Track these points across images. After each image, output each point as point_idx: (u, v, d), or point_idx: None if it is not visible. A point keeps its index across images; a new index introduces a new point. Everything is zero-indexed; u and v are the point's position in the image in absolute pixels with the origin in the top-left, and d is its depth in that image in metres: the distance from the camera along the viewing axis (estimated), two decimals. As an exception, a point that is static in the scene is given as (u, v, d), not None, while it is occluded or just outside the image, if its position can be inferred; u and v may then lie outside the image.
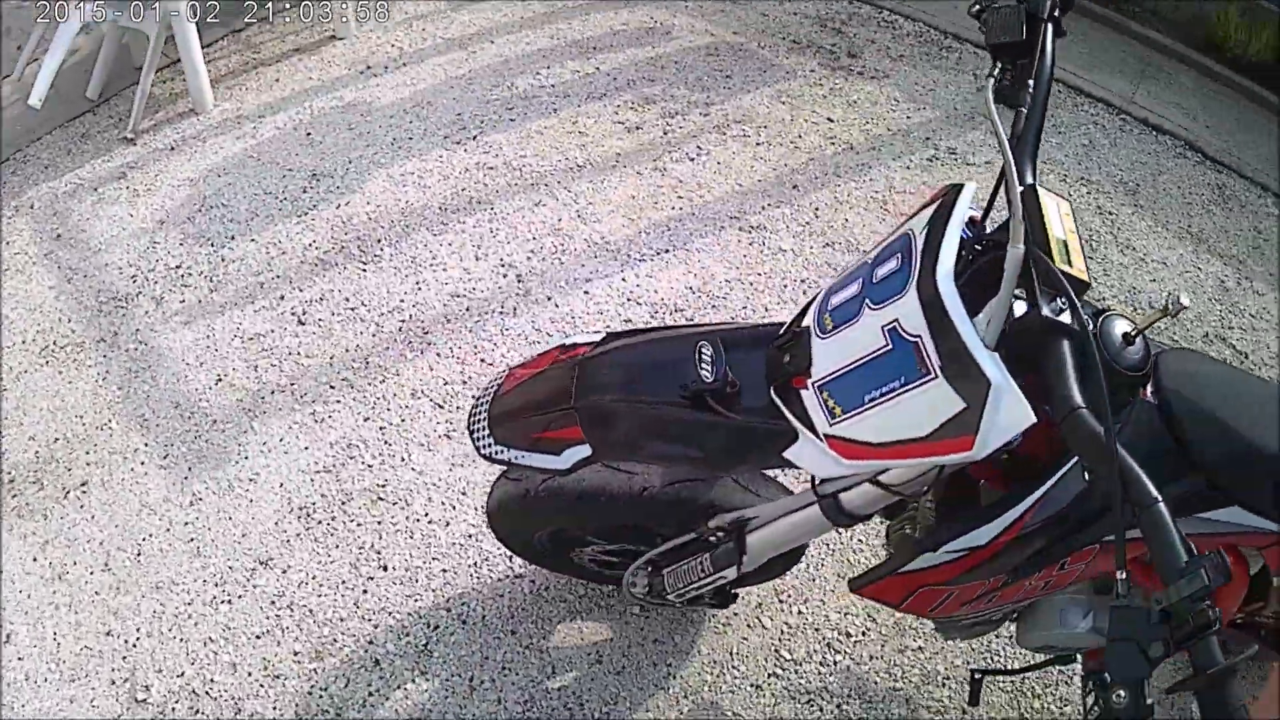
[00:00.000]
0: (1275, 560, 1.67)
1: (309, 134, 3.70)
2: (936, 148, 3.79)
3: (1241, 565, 1.72)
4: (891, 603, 1.71)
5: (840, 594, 2.57)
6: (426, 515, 2.62)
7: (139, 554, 2.55)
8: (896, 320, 1.31)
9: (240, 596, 2.47)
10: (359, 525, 2.59)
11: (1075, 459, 1.35)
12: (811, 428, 1.43)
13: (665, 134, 3.73)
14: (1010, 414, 1.21)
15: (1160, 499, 1.10)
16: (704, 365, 1.55)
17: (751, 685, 2.43)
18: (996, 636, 2.52)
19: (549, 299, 3.13)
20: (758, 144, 3.74)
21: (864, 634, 2.52)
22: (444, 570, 2.53)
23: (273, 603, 2.46)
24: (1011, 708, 2.48)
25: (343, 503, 2.63)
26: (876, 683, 2.45)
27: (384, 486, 2.67)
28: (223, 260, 3.23)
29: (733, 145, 3.72)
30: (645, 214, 3.44)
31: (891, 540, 1.82)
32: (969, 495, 1.58)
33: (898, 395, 1.30)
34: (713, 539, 1.94)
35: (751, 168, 3.65)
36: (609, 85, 3.96)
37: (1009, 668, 2.40)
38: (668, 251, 3.31)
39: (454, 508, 2.64)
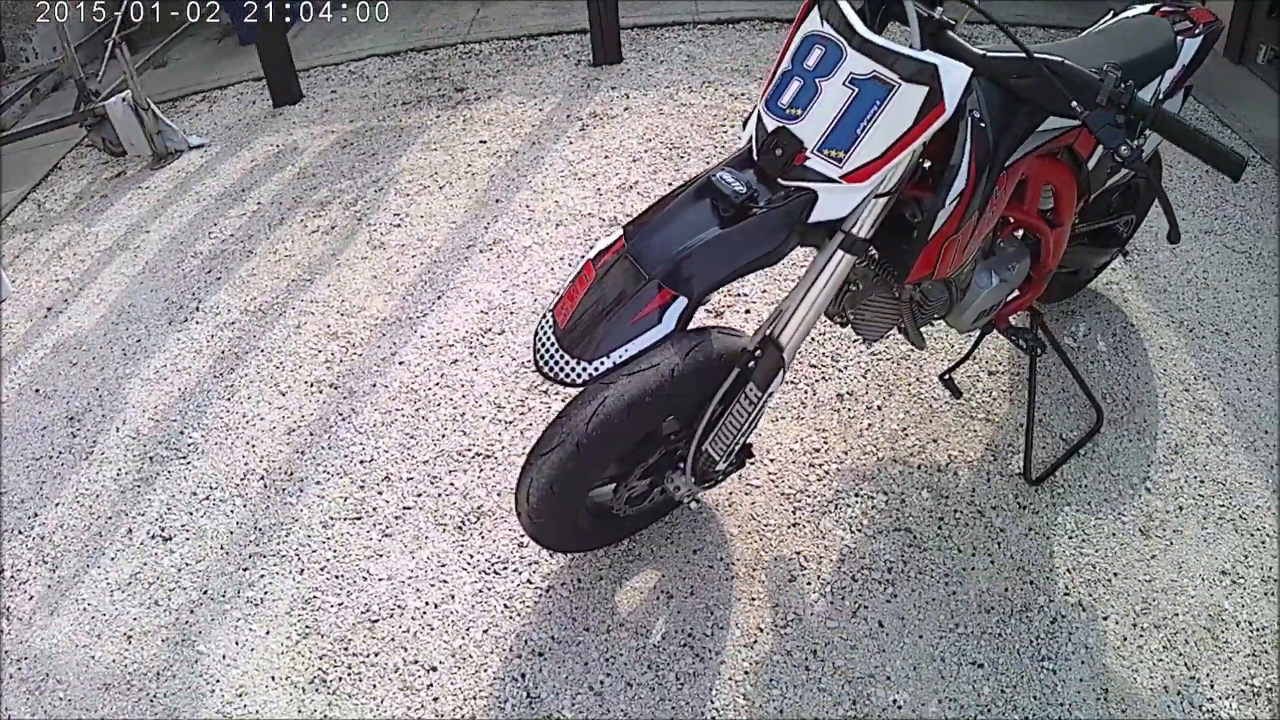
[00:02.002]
0: (1083, 146, 2.15)
1: (37, 390, 3.08)
2: (580, 118, 3.95)
3: (1068, 171, 2.17)
4: (927, 272, 1.96)
5: (782, 432, 2.63)
6: (428, 604, 2.28)
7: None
8: (851, 73, 1.69)
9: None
10: (378, 654, 2.19)
11: (970, 123, 1.74)
12: (827, 180, 1.72)
13: (359, 219, 3.56)
14: (954, 75, 1.64)
15: (1062, 58, 1.66)
16: (733, 185, 1.74)
17: (790, 525, 2.41)
18: (920, 383, 2.75)
19: (374, 386, 2.86)
20: (441, 188, 3.68)
21: (825, 444, 2.60)
22: (485, 631, 2.21)
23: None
24: (976, 389, 2.72)
25: (345, 649, 2.21)
26: (863, 461, 2.55)
27: (368, 610, 2.29)
28: (41, 539, 2.58)
29: (422, 199, 3.63)
30: (395, 283, 3.26)
31: (863, 279, 2.13)
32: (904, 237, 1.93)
33: (880, 114, 1.66)
34: (750, 364, 1.95)
35: (451, 206, 3.58)
36: (281, 210, 3.71)
37: (960, 357, 2.69)
38: (439, 299, 3.16)
39: (445, 581, 2.32)
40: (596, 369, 1.69)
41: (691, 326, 1.87)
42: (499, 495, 2.52)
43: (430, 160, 3.83)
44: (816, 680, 2.11)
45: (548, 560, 2.36)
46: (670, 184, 3.58)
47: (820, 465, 2.54)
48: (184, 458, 2.73)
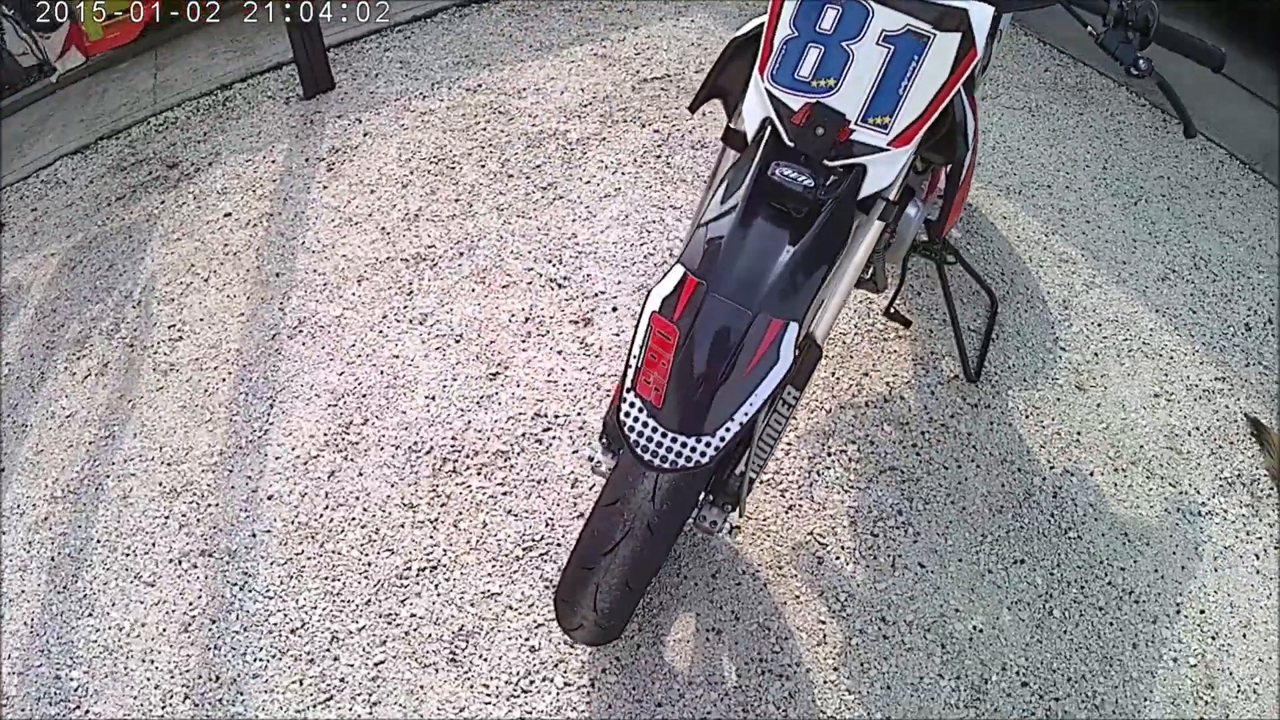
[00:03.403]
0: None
1: None
2: (321, 157, 3.35)
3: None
4: (955, 219, 1.88)
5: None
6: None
7: None
8: (883, 30, 1.50)
9: None
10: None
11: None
12: (875, 150, 1.51)
13: (132, 346, 2.80)
14: (981, 17, 1.50)
15: None
16: (801, 180, 1.49)
17: (786, 510, 2.21)
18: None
19: (254, 536, 2.26)
20: (207, 280, 2.98)
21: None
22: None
23: None
24: (872, 313, 2.50)
25: None
26: (816, 420, 2.37)
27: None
28: None
29: (192, 299, 2.93)
30: (211, 406, 2.59)
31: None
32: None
33: (919, 69, 1.49)
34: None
35: (228, 297, 2.91)
36: (34, 364, 2.82)
37: (896, 288, 2.46)
38: (272, 407, 2.56)
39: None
40: (722, 439, 1.33)
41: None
42: (472, 605, 2.09)
43: (179, 253, 3.10)
44: (900, 643, 1.97)
45: (573, 653, 1.99)
46: (456, 200, 3.14)
47: (778, 438, 2.33)
48: (78, 708, 2.03)
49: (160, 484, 2.45)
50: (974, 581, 2.07)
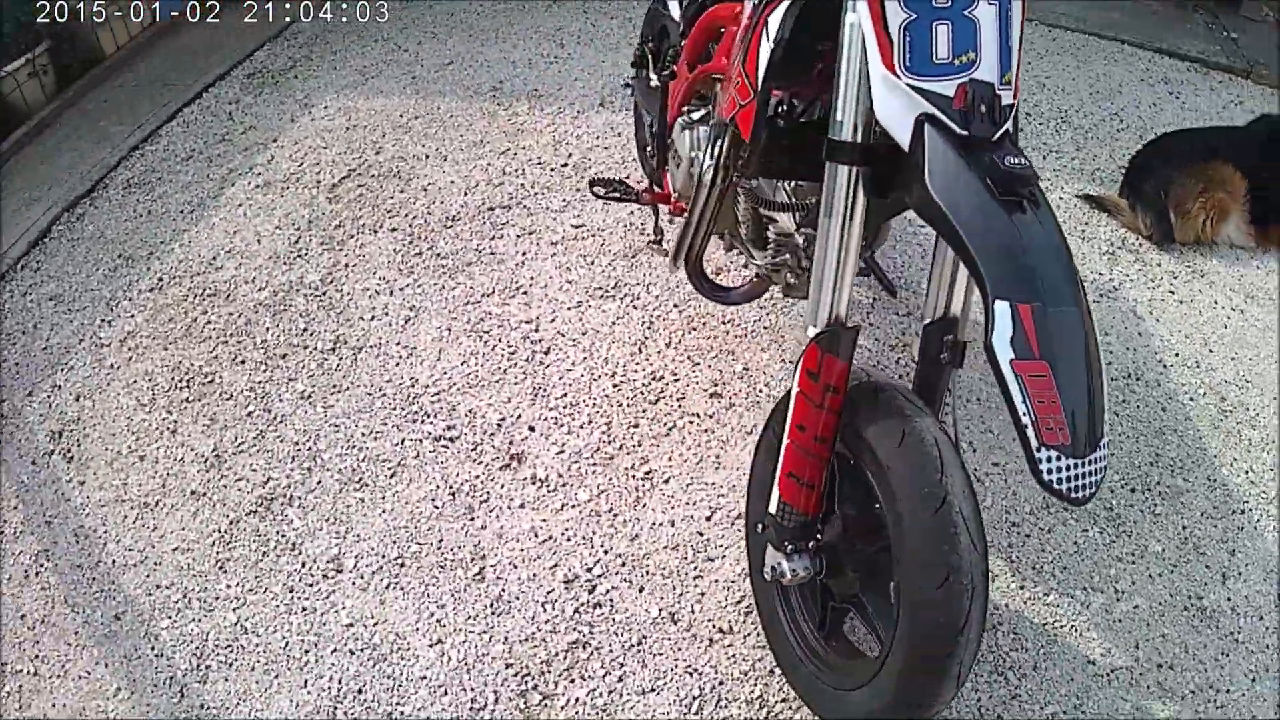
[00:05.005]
0: None
1: None
2: (47, 451, 2.45)
3: None
4: None
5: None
6: None
7: None
8: None
9: None
10: None
11: None
12: (1011, 109, 1.43)
13: None
14: None
15: None
16: (1021, 161, 1.32)
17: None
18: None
19: None
20: (37, 672, 2.07)
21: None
22: None
23: None
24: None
25: None
26: None
27: None
28: None
29: (41, 703, 2.09)
30: None
31: None
32: None
33: (1011, 19, 1.42)
34: None
35: (86, 677, 2.05)
36: None
37: None
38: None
39: None
40: (1108, 436, 1.32)
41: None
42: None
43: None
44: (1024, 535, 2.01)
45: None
46: (248, 414, 2.45)
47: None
48: None
49: None
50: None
